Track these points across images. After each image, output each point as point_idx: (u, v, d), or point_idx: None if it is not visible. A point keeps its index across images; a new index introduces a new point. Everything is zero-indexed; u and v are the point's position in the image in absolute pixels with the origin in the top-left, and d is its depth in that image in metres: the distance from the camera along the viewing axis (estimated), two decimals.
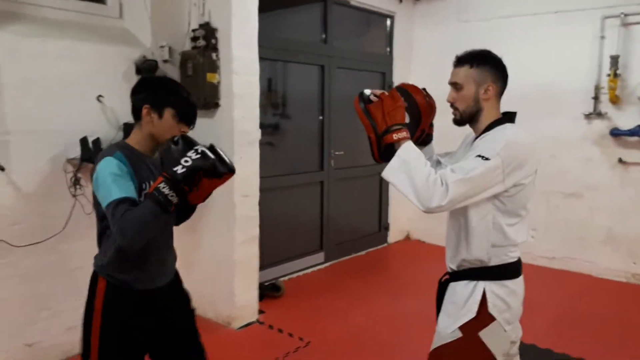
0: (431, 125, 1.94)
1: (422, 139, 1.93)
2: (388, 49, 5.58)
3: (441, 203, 1.55)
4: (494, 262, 1.71)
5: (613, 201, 4.60)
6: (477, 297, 1.71)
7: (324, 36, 4.81)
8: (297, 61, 4.62)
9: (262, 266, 3.94)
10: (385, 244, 5.77)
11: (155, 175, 1.77)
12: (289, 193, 4.64)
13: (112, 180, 1.62)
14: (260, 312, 3.80)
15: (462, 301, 1.73)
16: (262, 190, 3.73)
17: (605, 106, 4.56)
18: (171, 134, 1.71)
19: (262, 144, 3.73)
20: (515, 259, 1.76)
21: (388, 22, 5.53)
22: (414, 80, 5.59)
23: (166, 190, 1.54)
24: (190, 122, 1.79)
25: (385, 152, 1.69)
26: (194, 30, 3.48)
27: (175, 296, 1.97)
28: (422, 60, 5.60)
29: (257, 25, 3.53)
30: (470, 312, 1.70)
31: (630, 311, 4.00)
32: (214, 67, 3.46)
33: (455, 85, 1.76)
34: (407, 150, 1.63)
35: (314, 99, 4.85)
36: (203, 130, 3.59)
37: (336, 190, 5.03)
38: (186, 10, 3.54)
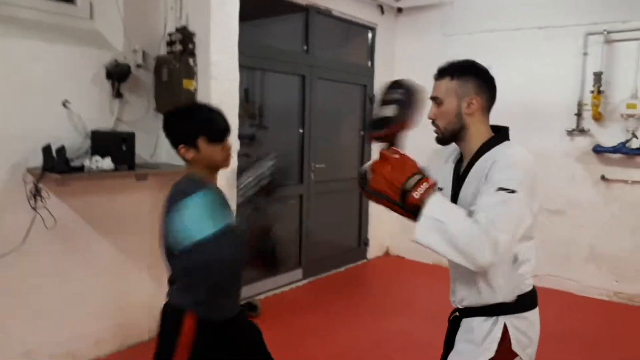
0: None
1: None
2: (369, 62, 5.49)
3: (493, 260, 1.34)
4: (515, 293, 1.56)
5: (596, 218, 4.56)
6: (498, 335, 1.54)
7: (305, 47, 4.68)
8: (278, 70, 4.47)
9: None
10: (365, 260, 5.61)
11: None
12: (267, 206, 4.45)
13: (213, 209, 1.65)
14: None
15: (480, 339, 1.55)
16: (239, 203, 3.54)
17: (588, 123, 4.52)
18: (220, 156, 1.74)
19: (239, 156, 3.55)
20: (531, 287, 1.61)
21: (370, 33, 5.44)
22: None
23: None
24: (225, 136, 1.77)
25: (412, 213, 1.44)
26: (170, 34, 3.30)
27: (244, 323, 1.98)
28: (404, 73, 5.42)
29: (238, 30, 3.37)
30: (489, 352, 1.53)
31: (615, 330, 3.92)
32: (190, 73, 3.28)
33: (435, 99, 1.59)
34: (436, 207, 1.37)
35: (293, 110, 4.70)
36: None
37: (316, 204, 4.86)
38: (162, 12, 3.37)
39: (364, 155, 5.40)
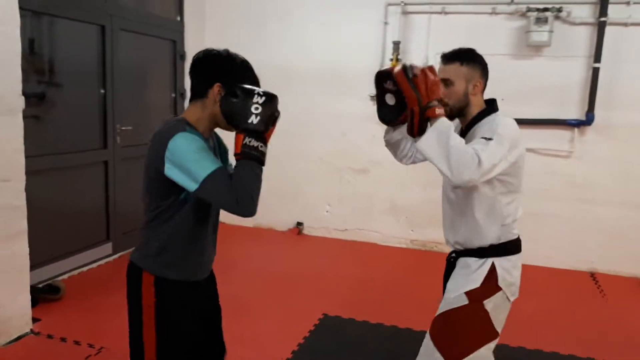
0: None
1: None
2: (179, 16, 5.11)
3: (474, 177, 1.64)
4: (502, 240, 1.89)
5: (394, 175, 5.03)
6: (485, 269, 1.87)
7: None
8: (70, 17, 3.86)
9: (34, 265, 3.24)
10: None
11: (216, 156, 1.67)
12: (64, 176, 3.91)
13: (202, 155, 1.50)
14: (35, 320, 3.13)
15: (471, 271, 1.89)
16: (28, 172, 3.03)
17: None
18: None
19: (25, 117, 3.02)
20: (517, 236, 1.94)
21: None
22: None
23: (254, 143, 1.49)
24: None
25: (421, 126, 1.72)
26: None
27: (211, 291, 1.90)
28: (216, 31, 5.28)
29: None
30: (475, 282, 1.86)
31: (412, 274, 4.45)
32: None
33: (446, 81, 1.85)
34: (446, 125, 1.68)
35: (92, 64, 4.14)
36: None
37: (124, 170, 4.43)
38: None
39: (177, 116, 5.06)
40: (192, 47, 5.15)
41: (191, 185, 1.48)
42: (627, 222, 4.49)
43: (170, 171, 1.51)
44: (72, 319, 3.25)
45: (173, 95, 5.08)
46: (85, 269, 4.05)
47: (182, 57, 5.08)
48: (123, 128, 4.38)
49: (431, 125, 1.68)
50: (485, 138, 1.73)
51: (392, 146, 2.07)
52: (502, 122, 1.81)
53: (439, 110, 1.69)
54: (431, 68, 1.71)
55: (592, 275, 4.55)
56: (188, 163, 1.48)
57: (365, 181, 5.16)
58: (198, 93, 1.65)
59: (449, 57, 1.89)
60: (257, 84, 1.64)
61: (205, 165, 1.47)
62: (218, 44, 5.62)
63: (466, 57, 1.88)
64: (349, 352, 3.03)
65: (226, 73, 1.61)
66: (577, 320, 3.62)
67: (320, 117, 5.16)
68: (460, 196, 1.92)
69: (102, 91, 4.20)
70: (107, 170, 4.28)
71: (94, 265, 4.14)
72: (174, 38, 5.01)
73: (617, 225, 4.51)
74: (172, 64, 5.05)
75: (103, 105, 4.22)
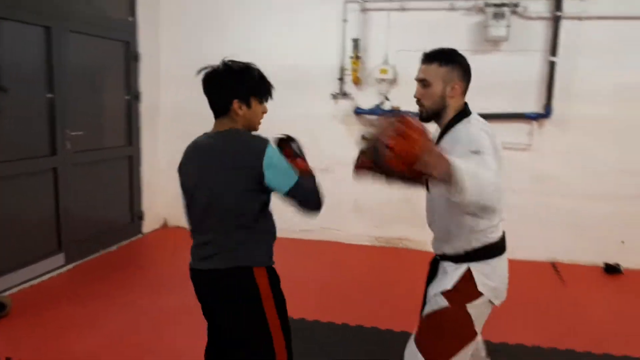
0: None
1: None
2: (131, 17, 4.93)
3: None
4: (475, 245, 1.83)
5: None
6: (459, 273, 1.83)
7: None
8: (13, 19, 3.66)
9: None
10: (140, 235, 5.18)
11: None
12: (11, 184, 3.70)
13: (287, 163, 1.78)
14: None
15: (446, 275, 1.87)
16: None
17: (349, 87, 4.88)
18: (259, 118, 1.87)
19: None
20: (497, 238, 1.87)
21: None
22: (164, 52, 5.15)
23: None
24: (269, 99, 1.87)
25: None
26: None
27: None
28: (172, 30, 5.12)
29: None
30: (448, 285, 1.84)
31: (377, 271, 4.40)
32: None
33: (423, 82, 1.83)
34: (466, 169, 1.49)
35: (38, 67, 3.94)
36: None
37: (75, 177, 4.23)
38: None
39: (131, 119, 4.90)
40: (147, 47, 4.98)
41: (286, 189, 1.75)
42: (586, 213, 4.55)
43: (269, 180, 1.74)
44: (18, 337, 3.06)
45: (127, 97, 4.90)
46: (35, 281, 3.84)
47: (136, 58, 4.90)
48: (73, 133, 4.18)
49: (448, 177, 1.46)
50: (473, 152, 1.62)
51: None
52: (477, 131, 1.73)
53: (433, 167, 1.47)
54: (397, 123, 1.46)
55: (553, 264, 4.59)
56: (283, 170, 1.75)
57: (330, 180, 5.05)
58: (221, 110, 1.80)
59: (428, 57, 1.83)
60: (270, 93, 1.85)
61: (293, 173, 1.77)
62: (173, 44, 5.50)
63: (445, 58, 1.82)
64: (314, 355, 2.95)
65: (238, 88, 1.77)
66: (540, 310, 3.64)
67: (282, 116, 5.02)
68: (436, 204, 1.91)
69: (50, 95, 4.00)
70: (57, 177, 4.08)
71: (45, 277, 3.93)
72: (126, 39, 4.83)
73: (577, 216, 4.57)
74: (126, 65, 4.86)
75: (51, 110, 4.02)
